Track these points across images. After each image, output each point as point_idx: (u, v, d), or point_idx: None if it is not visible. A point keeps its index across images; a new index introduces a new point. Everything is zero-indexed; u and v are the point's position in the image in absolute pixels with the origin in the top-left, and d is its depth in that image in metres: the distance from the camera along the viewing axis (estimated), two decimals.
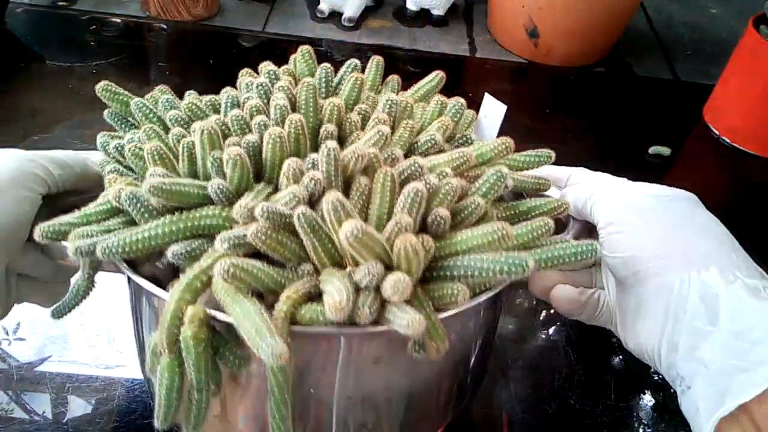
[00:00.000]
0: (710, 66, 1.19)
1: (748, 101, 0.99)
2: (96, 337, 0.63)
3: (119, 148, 0.45)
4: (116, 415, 0.58)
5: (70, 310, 0.47)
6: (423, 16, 1.24)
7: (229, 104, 0.46)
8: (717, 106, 1.06)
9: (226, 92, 0.48)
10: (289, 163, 0.38)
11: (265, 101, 0.45)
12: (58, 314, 0.47)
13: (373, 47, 1.13)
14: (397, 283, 0.32)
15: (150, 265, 0.40)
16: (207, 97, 0.48)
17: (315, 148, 0.42)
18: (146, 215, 0.39)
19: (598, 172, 0.48)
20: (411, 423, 0.45)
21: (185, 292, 0.35)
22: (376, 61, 0.53)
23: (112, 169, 0.44)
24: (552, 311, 0.69)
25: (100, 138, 0.47)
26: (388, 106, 0.46)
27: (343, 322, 0.34)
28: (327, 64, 0.49)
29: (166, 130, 0.44)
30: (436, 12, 1.23)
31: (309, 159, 0.39)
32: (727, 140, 1.03)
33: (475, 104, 0.53)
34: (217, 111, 0.47)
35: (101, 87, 0.47)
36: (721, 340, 0.36)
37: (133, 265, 0.40)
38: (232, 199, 0.39)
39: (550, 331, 0.68)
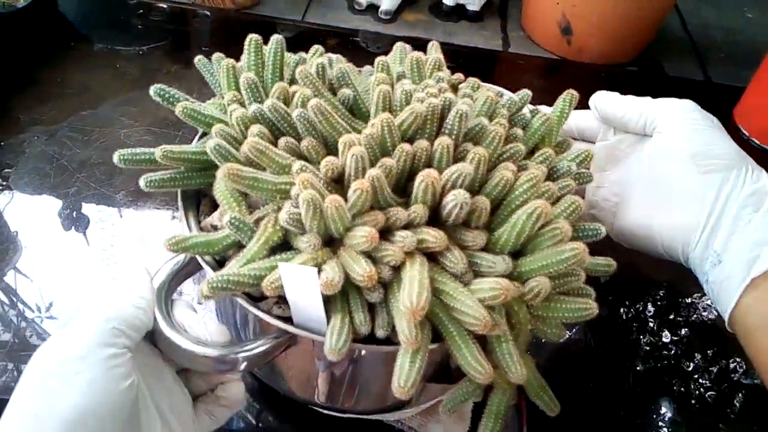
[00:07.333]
0: (743, 69, 1.19)
1: None
2: None
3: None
4: None
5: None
6: (458, 11, 1.27)
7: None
8: (748, 107, 1.07)
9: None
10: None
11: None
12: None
13: (408, 40, 1.15)
14: None
15: None
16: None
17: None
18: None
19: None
20: None
21: None
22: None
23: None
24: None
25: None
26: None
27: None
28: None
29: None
30: (471, 7, 1.25)
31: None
32: (757, 141, 1.04)
33: None
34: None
35: None
36: (759, 222, 0.44)
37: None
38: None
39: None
